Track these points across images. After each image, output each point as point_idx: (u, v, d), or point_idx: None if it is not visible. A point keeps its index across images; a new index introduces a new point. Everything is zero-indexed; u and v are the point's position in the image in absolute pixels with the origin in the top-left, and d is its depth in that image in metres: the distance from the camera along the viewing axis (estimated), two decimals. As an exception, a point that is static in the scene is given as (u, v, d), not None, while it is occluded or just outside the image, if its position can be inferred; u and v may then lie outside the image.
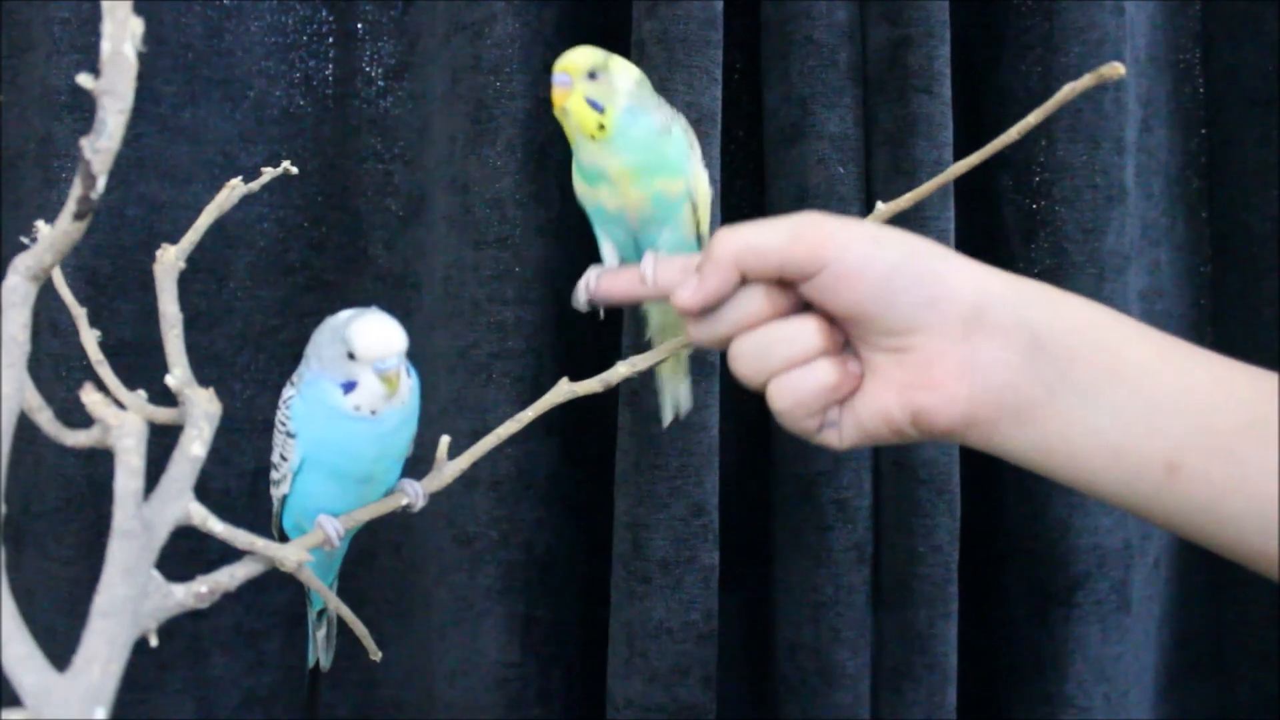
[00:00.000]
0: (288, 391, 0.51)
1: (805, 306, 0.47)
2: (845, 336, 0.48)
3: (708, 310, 0.47)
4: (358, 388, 0.48)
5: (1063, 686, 0.77)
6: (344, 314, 0.49)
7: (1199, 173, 0.90)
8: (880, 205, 0.51)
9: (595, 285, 0.51)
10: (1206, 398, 0.43)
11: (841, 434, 0.48)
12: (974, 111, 0.80)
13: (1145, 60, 0.85)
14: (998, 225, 0.80)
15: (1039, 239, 0.78)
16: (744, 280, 0.47)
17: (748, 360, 0.47)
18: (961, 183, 0.72)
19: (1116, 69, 0.44)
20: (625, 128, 0.51)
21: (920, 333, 0.45)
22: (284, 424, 0.51)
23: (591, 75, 0.51)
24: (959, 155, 0.73)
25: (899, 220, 0.53)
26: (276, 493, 0.53)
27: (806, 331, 0.47)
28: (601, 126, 0.51)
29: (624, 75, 0.52)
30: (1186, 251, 0.89)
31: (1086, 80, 0.46)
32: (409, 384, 0.50)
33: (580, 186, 0.53)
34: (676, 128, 0.53)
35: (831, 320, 0.47)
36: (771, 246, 0.46)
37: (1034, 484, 0.78)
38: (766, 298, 0.47)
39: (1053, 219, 0.78)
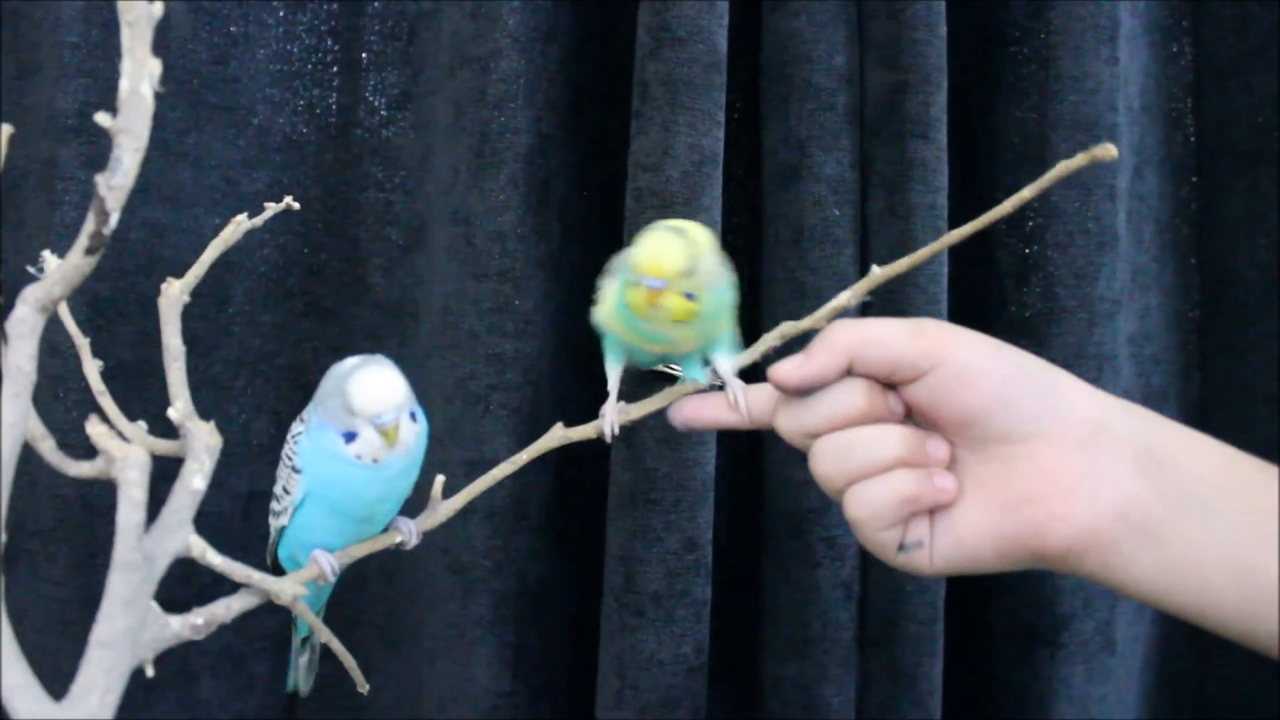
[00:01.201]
0: (297, 427, 0.52)
1: (905, 417, 0.47)
2: (945, 452, 0.46)
3: (802, 393, 0.47)
4: (358, 438, 0.48)
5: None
6: (349, 363, 0.49)
7: (1189, 220, 0.91)
8: (876, 269, 0.50)
9: (680, 410, 0.51)
10: None
11: (934, 554, 0.46)
12: (968, 157, 0.82)
13: (1138, 109, 0.86)
14: (990, 268, 0.81)
15: (1031, 283, 0.79)
16: (849, 373, 0.46)
17: (829, 460, 0.46)
18: (956, 227, 0.74)
19: (1109, 150, 0.45)
20: (709, 303, 0.50)
21: (1040, 440, 0.44)
22: (290, 459, 0.51)
23: (687, 273, 0.49)
24: (953, 200, 0.75)
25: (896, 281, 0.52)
26: (275, 523, 0.53)
27: (890, 438, 0.46)
28: (694, 313, 0.49)
29: (709, 258, 0.50)
30: (1176, 297, 0.91)
31: (1079, 160, 0.46)
32: (414, 429, 0.50)
33: (617, 329, 0.52)
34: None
35: (937, 427, 0.46)
36: (891, 339, 0.45)
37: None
38: (865, 395, 0.46)
39: (1044, 263, 0.79)
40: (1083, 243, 0.78)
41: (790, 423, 0.48)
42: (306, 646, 0.60)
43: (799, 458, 0.74)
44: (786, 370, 0.46)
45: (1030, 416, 0.44)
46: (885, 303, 0.53)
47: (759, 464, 0.78)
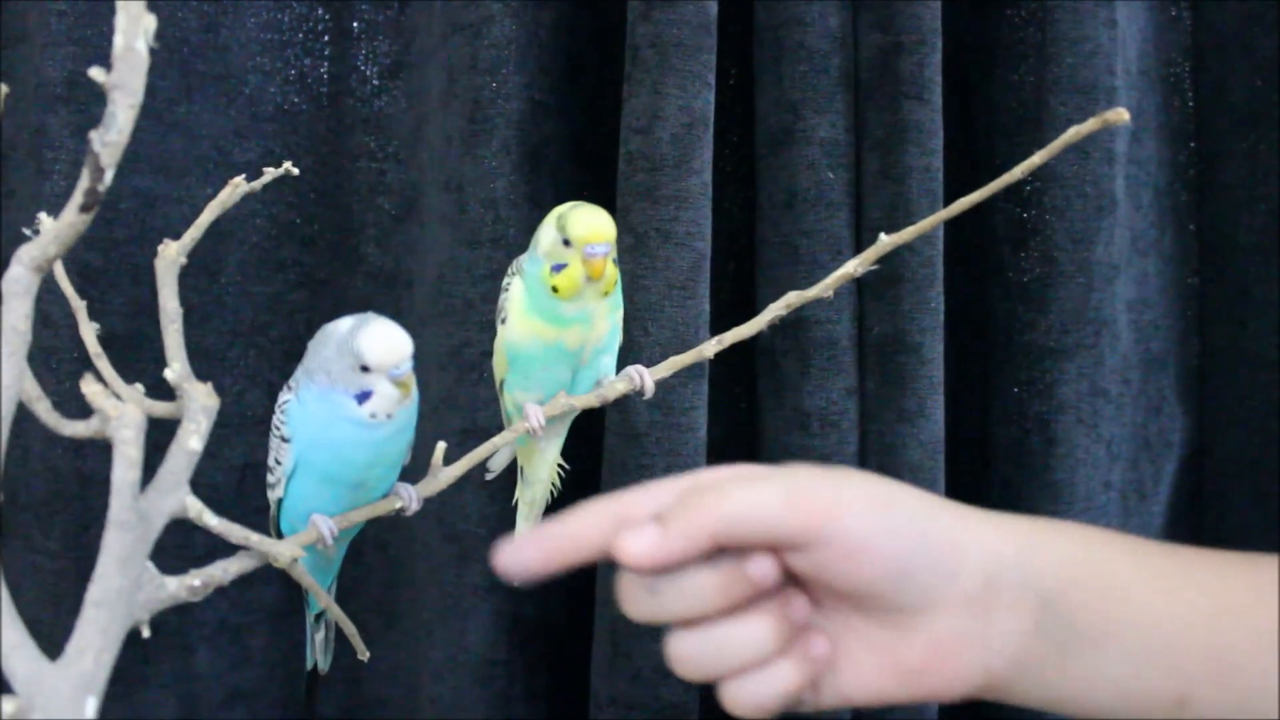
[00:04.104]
0: (284, 396, 0.51)
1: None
2: (806, 611, 0.42)
3: (655, 575, 0.41)
4: (374, 396, 0.48)
5: None
6: (344, 324, 0.49)
7: (1187, 185, 0.91)
8: (884, 237, 0.51)
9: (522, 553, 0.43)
10: (1206, 625, 0.42)
11: (819, 702, 0.43)
12: (965, 119, 0.81)
13: (1136, 73, 0.86)
14: (988, 233, 0.81)
15: (1029, 248, 0.79)
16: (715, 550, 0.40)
17: (692, 664, 0.42)
18: (952, 191, 0.73)
19: (1121, 114, 0.44)
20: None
21: (932, 610, 0.41)
22: (279, 428, 0.51)
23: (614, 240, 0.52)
24: (949, 163, 0.74)
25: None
26: (272, 496, 0.53)
27: (760, 634, 0.41)
28: (615, 282, 0.52)
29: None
30: (1175, 263, 0.90)
31: (1091, 124, 0.46)
32: (413, 380, 0.50)
33: (536, 329, 0.53)
34: None
35: (815, 594, 0.42)
36: (763, 517, 0.40)
37: (1021, 489, 0.79)
38: (721, 589, 0.40)
39: (1043, 228, 0.78)
40: (1080, 207, 0.78)
41: (642, 609, 0.42)
42: (320, 622, 0.60)
43: (795, 425, 0.74)
44: (640, 551, 0.40)
45: (924, 588, 0.41)
46: (881, 264, 0.53)
47: (753, 429, 0.77)
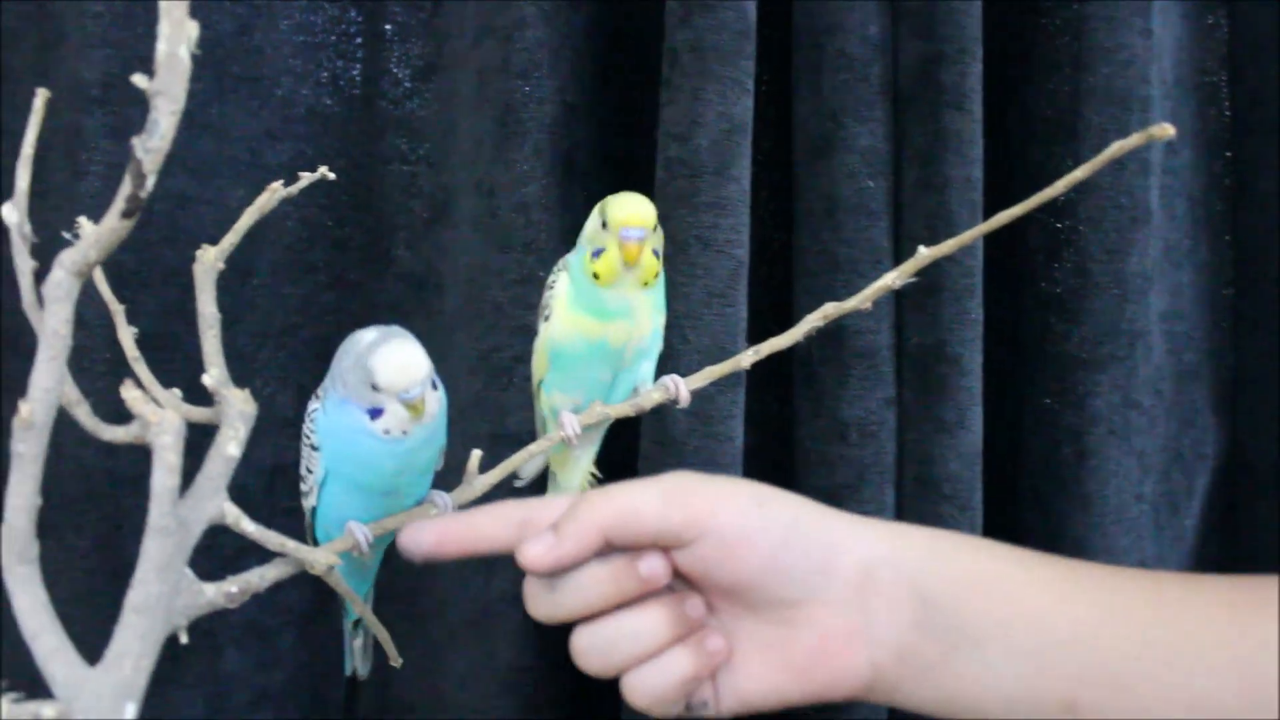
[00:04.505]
0: (312, 405, 0.51)
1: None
2: (702, 610, 0.45)
3: (553, 576, 0.44)
4: (384, 414, 0.48)
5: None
6: (366, 337, 0.48)
7: (1223, 196, 0.90)
8: (922, 250, 0.50)
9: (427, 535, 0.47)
10: (1094, 633, 0.43)
11: (720, 709, 0.45)
12: (999, 129, 0.81)
13: (1171, 82, 0.85)
14: (1021, 244, 0.80)
15: (1063, 258, 0.78)
16: (606, 547, 0.44)
17: (595, 657, 0.44)
18: (987, 202, 0.73)
19: (1166, 130, 0.44)
20: (661, 277, 0.54)
21: (813, 604, 0.44)
22: (309, 437, 0.51)
23: (655, 228, 0.52)
24: (986, 173, 0.74)
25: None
26: (306, 504, 0.53)
27: (656, 622, 0.44)
28: (657, 274, 0.52)
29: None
30: (1209, 274, 0.90)
31: (1135, 139, 0.45)
32: (436, 398, 0.49)
33: (581, 326, 0.53)
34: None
35: (705, 591, 0.45)
36: (645, 514, 0.43)
37: (1052, 501, 0.78)
38: (613, 583, 0.44)
39: (1076, 239, 0.78)
40: (1115, 218, 0.77)
41: (542, 608, 0.45)
42: (359, 630, 0.60)
43: (833, 435, 0.74)
44: (536, 555, 0.43)
45: (801, 582, 0.43)
46: (921, 274, 0.52)
47: (790, 438, 0.77)
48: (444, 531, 0.47)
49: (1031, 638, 0.43)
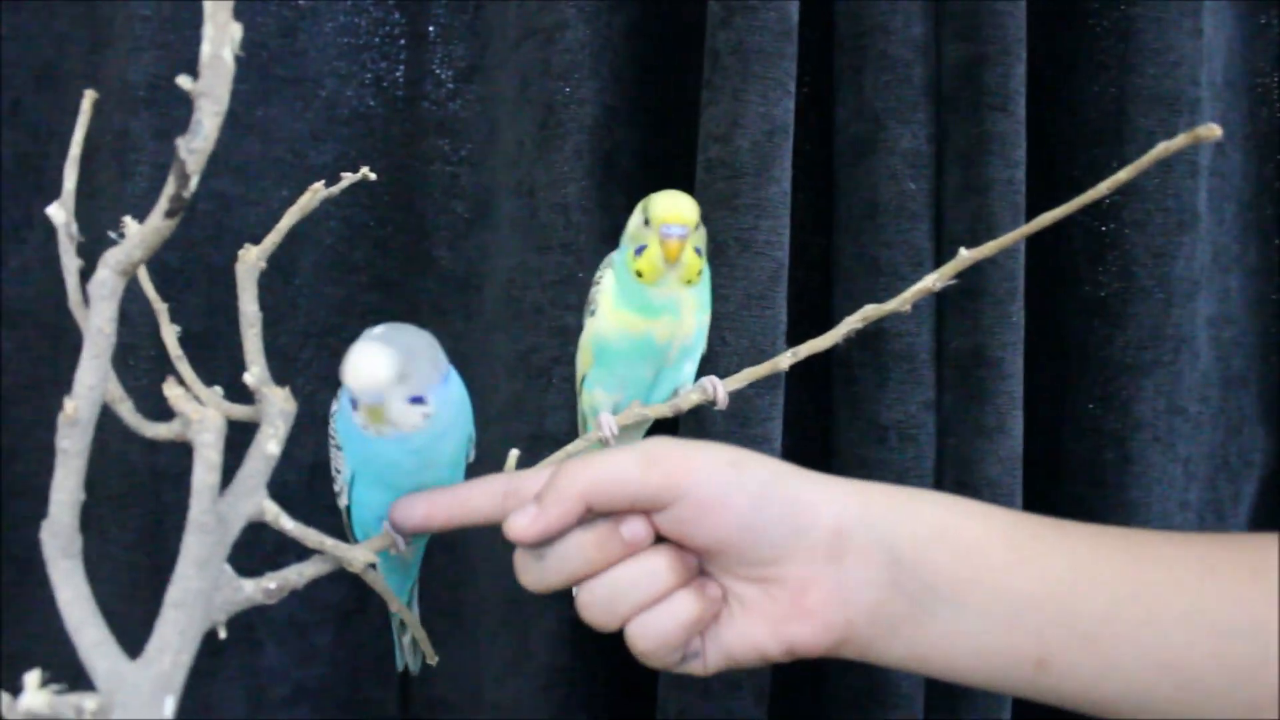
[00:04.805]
0: (334, 405, 0.51)
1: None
2: (696, 563, 0.46)
3: (540, 546, 0.45)
4: (357, 411, 0.47)
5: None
6: (370, 331, 0.47)
7: (1274, 199, 0.88)
8: (964, 252, 0.50)
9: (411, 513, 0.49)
10: (1066, 590, 0.43)
11: (706, 663, 0.47)
12: (1043, 131, 0.80)
13: (1221, 83, 0.84)
14: (1065, 247, 0.79)
15: (1107, 262, 0.77)
16: (588, 514, 0.45)
17: (600, 608, 0.46)
18: (1031, 205, 0.72)
19: (1213, 130, 0.43)
20: (706, 275, 0.54)
21: (788, 561, 0.45)
22: (333, 437, 0.51)
23: (696, 226, 0.52)
24: (1029, 175, 0.73)
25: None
26: (340, 503, 0.53)
27: (659, 569, 0.45)
28: (699, 271, 0.52)
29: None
30: (1258, 278, 0.88)
31: (1181, 140, 0.44)
32: (420, 412, 0.46)
33: (625, 322, 0.53)
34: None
35: (687, 551, 0.46)
36: (623, 478, 0.44)
37: (1094, 508, 0.77)
38: (598, 548, 0.45)
39: (1121, 242, 0.77)
40: (1161, 221, 0.76)
41: (532, 577, 0.47)
42: (405, 626, 0.60)
43: (872, 438, 0.73)
44: (521, 526, 0.45)
45: (776, 541, 0.44)
46: (962, 277, 0.52)
47: (829, 443, 0.77)
48: (433, 504, 0.48)
49: (1001, 595, 0.43)
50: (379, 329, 0.47)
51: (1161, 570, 0.42)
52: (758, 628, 0.45)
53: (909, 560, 0.44)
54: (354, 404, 0.46)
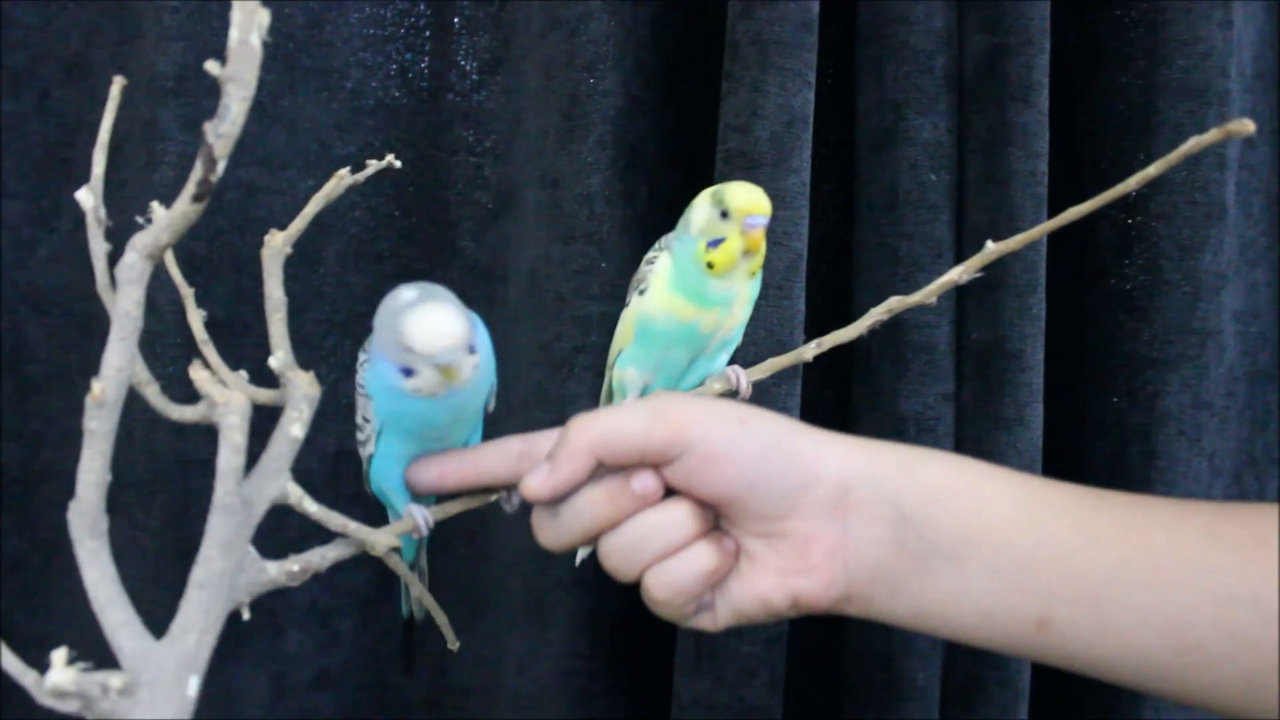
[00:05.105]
0: (361, 356, 0.51)
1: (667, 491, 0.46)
2: (712, 516, 0.47)
3: (555, 504, 0.46)
4: (416, 375, 0.46)
5: (1139, 710, 0.75)
6: (405, 295, 0.46)
7: (1302, 193, 0.88)
8: (990, 244, 0.50)
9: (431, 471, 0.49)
10: (1070, 551, 0.43)
11: (716, 617, 0.47)
12: (1069, 122, 0.79)
13: (1251, 75, 0.83)
14: (1090, 239, 0.79)
15: (1134, 255, 0.77)
16: (599, 469, 0.45)
17: (620, 556, 0.46)
18: (1056, 197, 0.72)
19: (1246, 125, 0.43)
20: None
21: (793, 516, 0.45)
22: (361, 386, 0.51)
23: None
24: (1053, 166, 0.72)
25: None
26: (363, 453, 0.53)
27: (680, 517, 0.46)
28: (761, 264, 0.52)
29: None
30: (1286, 273, 0.87)
31: (1213, 134, 0.44)
32: (473, 362, 0.47)
33: (675, 306, 0.53)
34: None
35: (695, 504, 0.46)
36: (630, 431, 0.45)
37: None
38: (609, 502, 0.45)
39: (1148, 235, 0.76)
40: (1189, 214, 0.76)
41: (549, 535, 0.47)
42: (414, 570, 0.58)
43: (890, 429, 0.73)
44: (535, 485, 0.46)
45: (780, 495, 0.45)
46: (983, 269, 0.51)
47: (847, 432, 0.76)
48: (446, 465, 0.49)
49: (1003, 554, 0.43)
50: (411, 291, 0.46)
51: (1166, 536, 0.42)
52: (764, 580, 0.46)
53: (914, 518, 0.44)
54: (407, 373, 0.46)
